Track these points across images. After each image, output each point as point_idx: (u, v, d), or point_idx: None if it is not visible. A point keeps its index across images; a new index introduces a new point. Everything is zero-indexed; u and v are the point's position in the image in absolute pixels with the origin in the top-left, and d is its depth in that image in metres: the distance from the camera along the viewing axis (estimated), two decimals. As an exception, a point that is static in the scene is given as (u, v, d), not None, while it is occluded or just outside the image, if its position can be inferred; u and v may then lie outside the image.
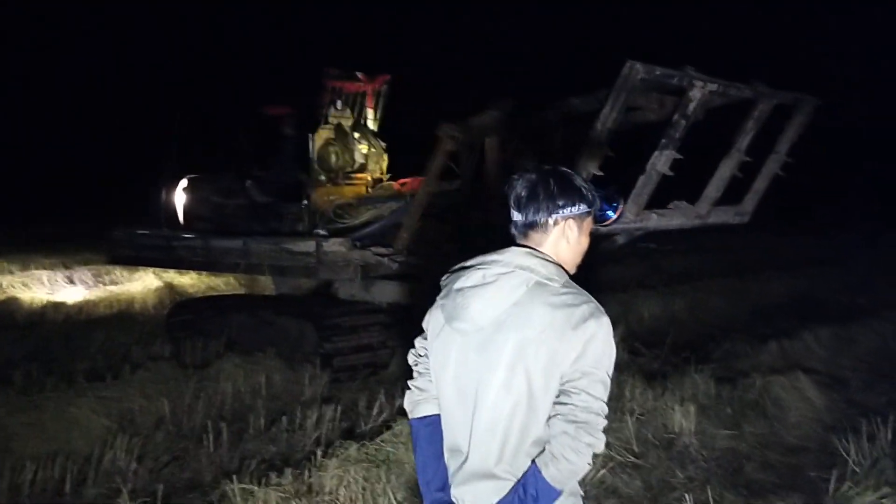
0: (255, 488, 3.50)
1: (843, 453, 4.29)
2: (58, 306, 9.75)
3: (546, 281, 1.81)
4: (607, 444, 4.29)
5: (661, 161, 5.46)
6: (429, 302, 5.92)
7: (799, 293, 9.81)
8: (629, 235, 6.47)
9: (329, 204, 7.60)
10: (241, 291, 10.32)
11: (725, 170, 6.01)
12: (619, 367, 6.04)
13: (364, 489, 3.59)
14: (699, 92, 5.23)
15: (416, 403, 2.01)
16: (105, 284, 11.51)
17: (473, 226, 6.32)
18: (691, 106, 5.32)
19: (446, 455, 1.91)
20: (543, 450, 1.75)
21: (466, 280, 1.87)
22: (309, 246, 6.97)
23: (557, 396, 1.76)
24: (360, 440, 4.22)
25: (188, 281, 11.21)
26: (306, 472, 3.75)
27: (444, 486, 1.92)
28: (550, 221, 1.86)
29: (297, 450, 4.58)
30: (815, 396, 5.39)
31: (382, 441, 4.15)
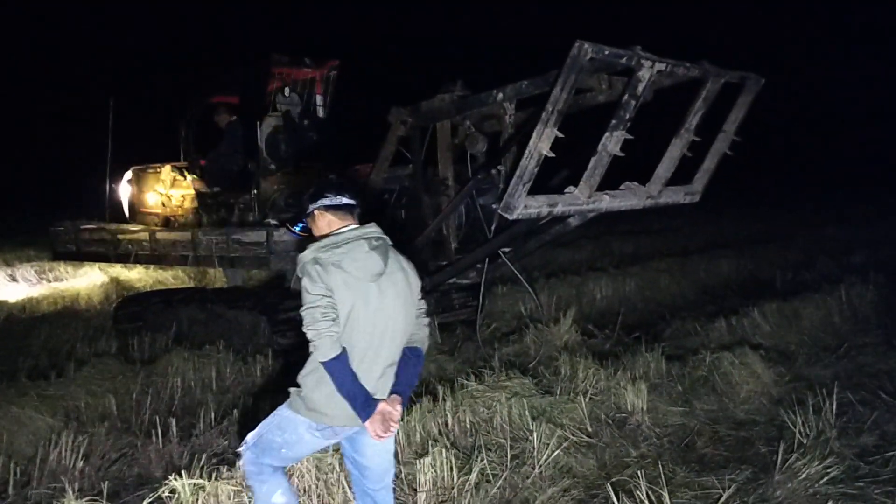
0: (206, 483, 3.42)
1: (791, 426, 4.38)
2: (-2, 305, 9.43)
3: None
4: (561, 425, 4.38)
5: (611, 142, 5.46)
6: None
7: (745, 271, 10.03)
8: (583, 218, 6.50)
9: (279, 193, 7.48)
10: (191, 285, 10.11)
11: (675, 150, 6.05)
12: (571, 348, 6.18)
13: (317, 479, 3.55)
14: (648, 72, 5.24)
15: (337, 343, 2.66)
16: (49, 281, 11.17)
17: (426, 210, 6.28)
18: (640, 86, 5.32)
19: (365, 367, 2.73)
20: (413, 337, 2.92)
21: (365, 246, 2.75)
22: (259, 236, 6.85)
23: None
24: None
25: (135, 276, 10.93)
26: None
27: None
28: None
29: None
30: (763, 371, 5.49)
31: (336, 430, 4.09)
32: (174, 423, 4.60)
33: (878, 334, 6.80)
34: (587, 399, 4.75)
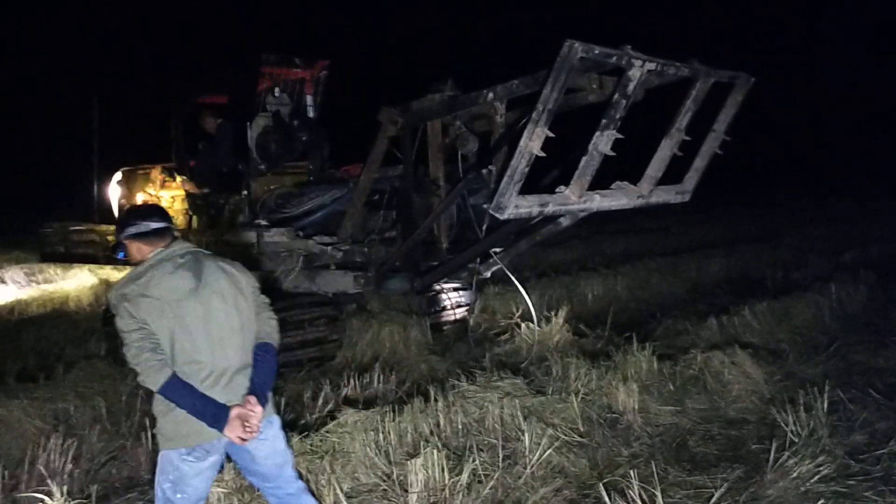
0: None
1: (782, 424, 4.39)
2: (-13, 307, 9.36)
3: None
4: (552, 425, 4.38)
5: (602, 142, 5.46)
6: (375, 289, 5.82)
7: (736, 270, 10.06)
8: (574, 217, 6.49)
9: (269, 193, 7.45)
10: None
11: (666, 149, 6.05)
12: (562, 348, 6.18)
13: (308, 481, 3.53)
14: (638, 71, 5.24)
15: (163, 369, 2.68)
16: (38, 283, 11.09)
17: (416, 211, 6.26)
18: (631, 85, 5.32)
19: (212, 379, 2.76)
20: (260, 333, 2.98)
21: (169, 266, 2.80)
22: (250, 237, 6.82)
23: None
24: (304, 432, 4.15)
25: (125, 277, 10.85)
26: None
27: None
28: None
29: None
30: (754, 370, 5.51)
31: (327, 432, 4.09)
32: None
33: (868, 332, 6.84)
34: (579, 399, 4.75)
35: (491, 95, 6.08)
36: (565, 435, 4.35)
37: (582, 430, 4.48)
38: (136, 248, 2.90)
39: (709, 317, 6.89)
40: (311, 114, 8.27)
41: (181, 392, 2.69)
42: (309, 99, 8.33)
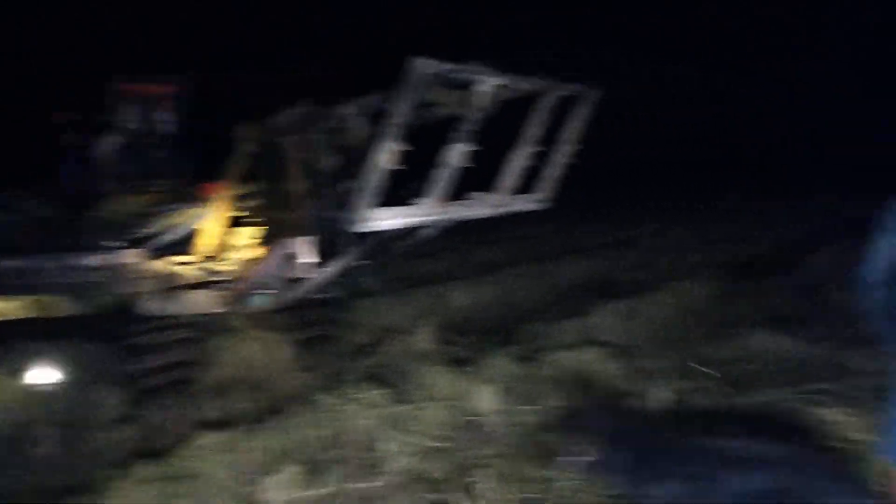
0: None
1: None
2: None
3: None
4: (415, 432, 4.46)
5: (458, 153, 5.65)
6: (237, 308, 5.67)
7: (595, 275, 10.52)
8: (437, 228, 6.64)
9: (123, 213, 7.15)
10: (33, 315, 9.42)
11: (520, 159, 6.33)
12: (428, 357, 6.29)
13: (160, 507, 3.43)
14: (487, 86, 5.46)
15: None
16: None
17: (275, 226, 6.21)
18: (481, 100, 5.54)
19: None
20: None
21: None
22: (103, 259, 6.52)
23: None
24: (160, 458, 4.02)
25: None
26: (98, 496, 3.52)
27: None
28: None
29: (90, 474, 4.27)
30: (607, 367, 5.81)
31: (183, 456, 3.98)
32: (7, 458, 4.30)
33: (710, 326, 7.32)
34: (442, 405, 4.85)
35: (348, 110, 6.14)
36: (427, 441, 4.43)
37: (443, 434, 4.57)
38: None
39: (568, 319, 7.20)
40: (166, 131, 8.01)
41: None
42: (165, 116, 8.07)
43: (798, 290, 8.35)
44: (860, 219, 3.76)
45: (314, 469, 3.99)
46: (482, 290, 8.98)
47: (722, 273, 9.44)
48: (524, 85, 5.84)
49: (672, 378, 5.70)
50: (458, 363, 5.90)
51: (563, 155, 6.46)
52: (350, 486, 3.86)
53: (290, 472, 3.70)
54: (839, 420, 4.68)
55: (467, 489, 3.83)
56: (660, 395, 5.03)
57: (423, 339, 6.67)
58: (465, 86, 5.81)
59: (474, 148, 5.60)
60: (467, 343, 6.84)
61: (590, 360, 5.85)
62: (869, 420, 4.35)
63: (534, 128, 6.21)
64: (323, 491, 3.71)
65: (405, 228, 6.08)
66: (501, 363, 5.72)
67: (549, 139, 6.49)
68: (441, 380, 5.29)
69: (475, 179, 6.16)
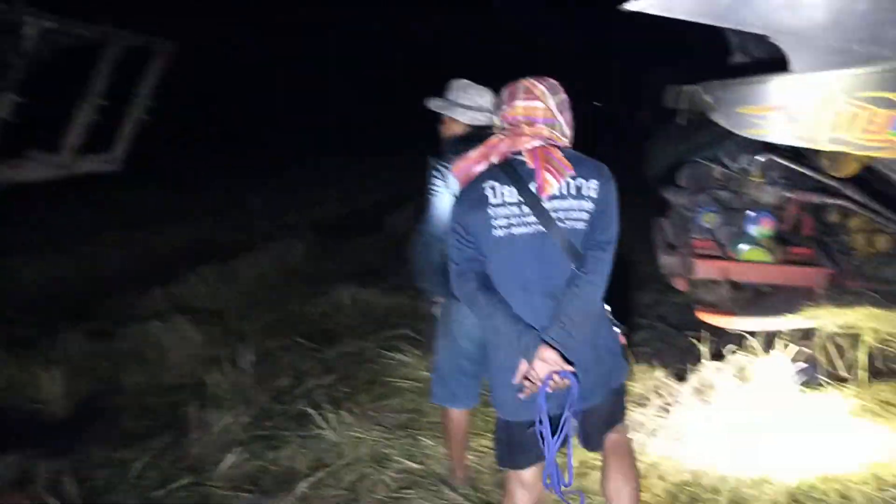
0: None
1: (209, 383, 4.56)
2: None
3: None
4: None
5: (2, 105, 4.87)
6: None
7: (194, 239, 10.08)
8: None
9: None
10: None
11: (84, 116, 5.69)
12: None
13: None
14: (32, 29, 4.76)
15: None
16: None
17: None
18: (27, 44, 4.82)
19: None
20: None
21: None
22: None
23: None
24: None
25: None
26: None
27: None
28: None
29: None
30: (195, 334, 5.61)
31: None
32: None
33: (304, 285, 7.53)
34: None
35: None
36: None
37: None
38: None
39: (155, 288, 6.78)
40: None
41: None
42: None
43: (382, 246, 9.05)
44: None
45: None
46: (58, 263, 7.99)
47: (317, 232, 9.77)
48: (82, 32, 5.24)
49: (262, 338, 5.75)
50: (18, 345, 5.18)
51: (136, 112, 5.98)
52: None
53: None
54: (413, 362, 5.17)
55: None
56: (246, 358, 4.99)
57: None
58: (8, 29, 5.01)
59: (20, 99, 4.87)
60: (32, 322, 6.03)
61: (175, 328, 5.59)
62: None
63: (99, 81, 5.62)
64: None
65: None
66: (72, 341, 5.16)
67: (122, 96, 5.98)
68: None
69: (35, 137, 5.41)
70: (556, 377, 2.30)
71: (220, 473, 3.66)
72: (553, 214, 2.33)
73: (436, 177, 3.06)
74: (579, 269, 2.35)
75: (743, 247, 4.80)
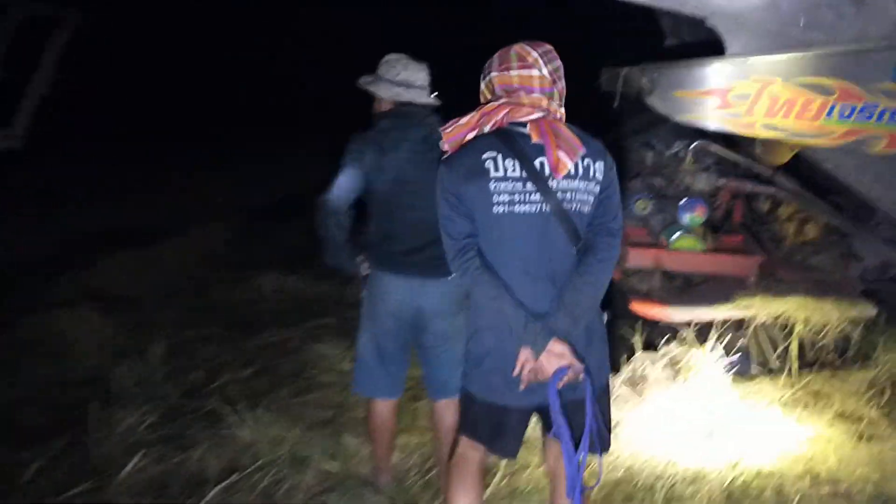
0: None
1: (116, 378, 4.25)
2: None
3: None
4: None
5: None
6: None
7: (115, 223, 9.58)
8: None
9: None
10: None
11: (-19, 89, 5.26)
12: None
13: None
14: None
15: None
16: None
17: None
18: None
19: None
20: None
21: None
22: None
23: None
24: None
25: None
26: None
27: None
28: None
29: None
30: (106, 324, 5.26)
31: None
32: None
33: (228, 271, 7.19)
34: None
35: None
36: None
37: None
38: None
39: (64, 274, 6.35)
40: None
41: None
42: None
43: (312, 231, 8.72)
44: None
45: None
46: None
47: (243, 216, 9.41)
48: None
49: (178, 328, 5.43)
50: None
51: (39, 85, 5.56)
52: None
53: None
54: (338, 353, 4.95)
55: None
56: (157, 350, 4.68)
57: None
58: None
59: None
60: None
61: (83, 317, 5.23)
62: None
63: (-3, 50, 5.20)
64: None
65: None
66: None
67: (24, 67, 5.56)
68: None
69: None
70: (570, 373, 2.18)
71: (122, 479, 3.37)
72: (559, 195, 2.19)
73: (349, 150, 2.91)
74: (594, 256, 2.22)
75: (675, 235, 4.73)
